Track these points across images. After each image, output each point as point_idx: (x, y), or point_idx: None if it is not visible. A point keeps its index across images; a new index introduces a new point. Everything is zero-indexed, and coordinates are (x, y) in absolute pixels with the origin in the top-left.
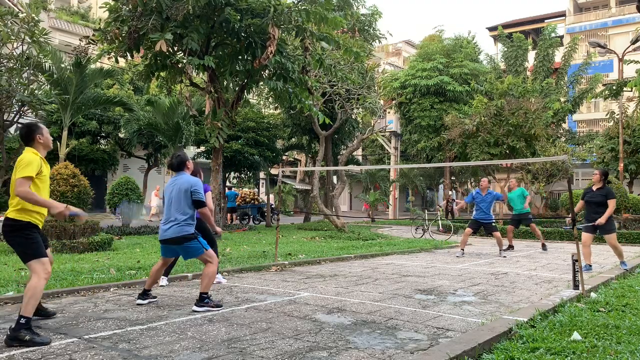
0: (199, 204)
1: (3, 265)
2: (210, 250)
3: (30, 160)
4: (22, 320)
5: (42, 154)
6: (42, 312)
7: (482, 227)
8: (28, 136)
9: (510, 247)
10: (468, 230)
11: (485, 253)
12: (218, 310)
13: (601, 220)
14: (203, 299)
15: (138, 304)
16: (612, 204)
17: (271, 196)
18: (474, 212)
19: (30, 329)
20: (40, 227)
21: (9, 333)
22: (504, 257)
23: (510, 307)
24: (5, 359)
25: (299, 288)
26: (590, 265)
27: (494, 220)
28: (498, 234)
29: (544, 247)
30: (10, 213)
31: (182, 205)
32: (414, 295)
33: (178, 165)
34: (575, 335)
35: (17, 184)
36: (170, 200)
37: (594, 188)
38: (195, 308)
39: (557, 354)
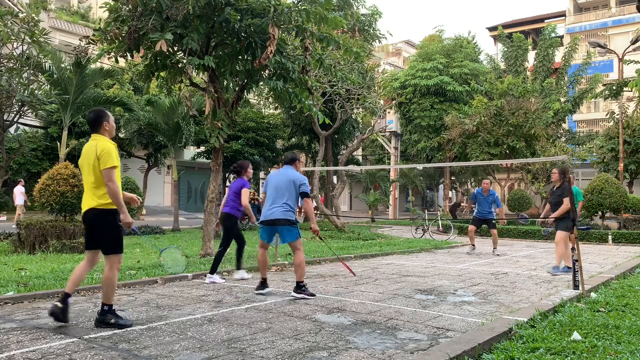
0: (305, 194)
1: (3, 265)
2: (301, 239)
3: (111, 148)
4: (106, 307)
5: None
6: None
7: (485, 224)
8: (96, 122)
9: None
10: (471, 227)
11: (485, 253)
12: (311, 297)
13: (555, 214)
14: (300, 287)
15: (258, 293)
16: (566, 202)
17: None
18: (475, 210)
19: (114, 313)
20: None
21: (97, 317)
22: (498, 255)
23: (510, 307)
24: (5, 359)
25: None
26: (570, 267)
27: (494, 218)
28: (496, 232)
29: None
30: (99, 200)
31: (290, 195)
32: (414, 295)
33: (290, 160)
34: (575, 335)
35: (108, 176)
36: (278, 188)
37: (555, 187)
38: (293, 294)
39: (557, 354)
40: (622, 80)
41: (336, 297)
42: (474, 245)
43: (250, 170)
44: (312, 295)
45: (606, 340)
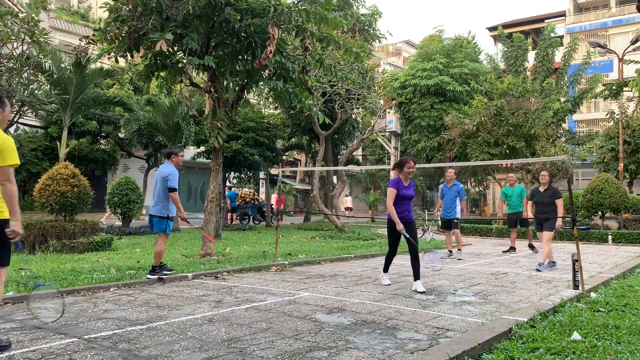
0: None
1: None
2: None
3: (13, 142)
4: None
5: None
6: None
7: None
8: None
9: (512, 248)
10: (446, 231)
11: (485, 253)
12: (169, 273)
13: (559, 223)
14: (155, 270)
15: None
16: (560, 202)
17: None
18: (442, 210)
19: None
20: None
21: None
22: (459, 259)
23: (510, 307)
24: (5, 359)
25: (299, 288)
26: (554, 262)
27: (457, 217)
28: (459, 232)
29: (531, 247)
30: None
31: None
32: (414, 295)
33: (166, 155)
34: (575, 335)
35: (5, 175)
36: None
37: (541, 189)
38: (149, 276)
39: (557, 354)
40: (622, 80)
41: (336, 297)
42: (450, 251)
43: (407, 170)
44: (171, 270)
45: (606, 340)
